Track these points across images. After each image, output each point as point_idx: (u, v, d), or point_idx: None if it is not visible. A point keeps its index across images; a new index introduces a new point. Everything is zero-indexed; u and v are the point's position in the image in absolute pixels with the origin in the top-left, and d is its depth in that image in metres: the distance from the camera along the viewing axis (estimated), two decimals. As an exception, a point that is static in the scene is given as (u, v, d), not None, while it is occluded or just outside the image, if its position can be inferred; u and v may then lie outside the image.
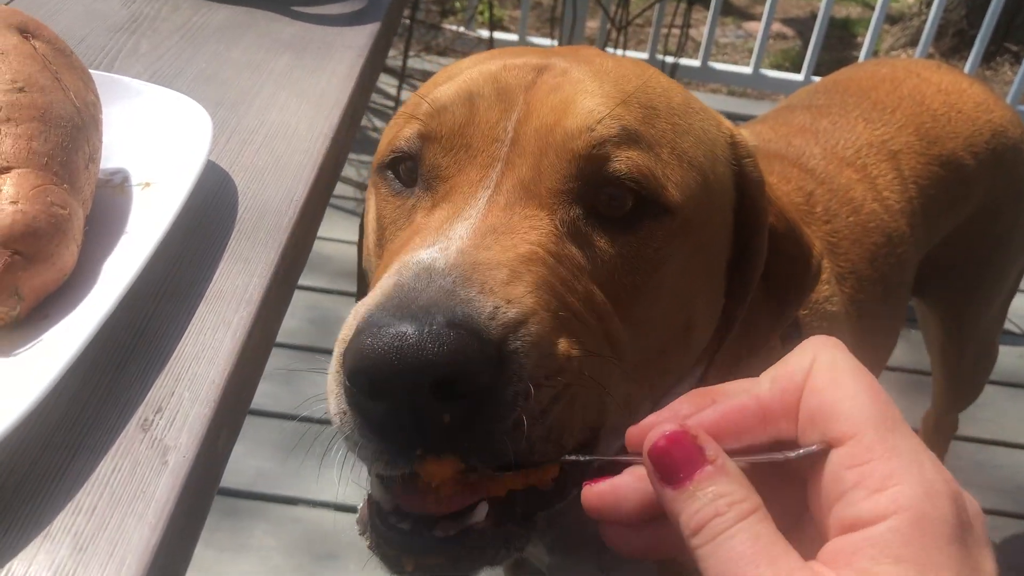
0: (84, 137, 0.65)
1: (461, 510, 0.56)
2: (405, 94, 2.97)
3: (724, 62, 3.44)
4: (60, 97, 0.65)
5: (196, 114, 0.74)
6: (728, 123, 0.76)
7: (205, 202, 0.72)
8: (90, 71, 0.73)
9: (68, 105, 0.65)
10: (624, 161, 0.63)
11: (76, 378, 0.56)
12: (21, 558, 0.47)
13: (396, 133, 0.69)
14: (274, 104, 0.87)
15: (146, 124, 0.75)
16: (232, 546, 1.75)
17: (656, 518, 0.46)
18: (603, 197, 0.63)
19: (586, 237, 0.62)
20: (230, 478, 1.84)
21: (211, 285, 0.65)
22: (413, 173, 0.67)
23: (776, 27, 4.19)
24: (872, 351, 1.22)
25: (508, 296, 0.54)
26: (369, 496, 0.60)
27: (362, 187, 2.71)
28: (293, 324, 2.18)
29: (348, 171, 2.77)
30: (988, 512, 1.59)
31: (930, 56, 3.47)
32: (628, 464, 0.48)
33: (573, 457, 0.55)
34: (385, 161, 0.70)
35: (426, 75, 3.14)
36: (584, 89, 0.66)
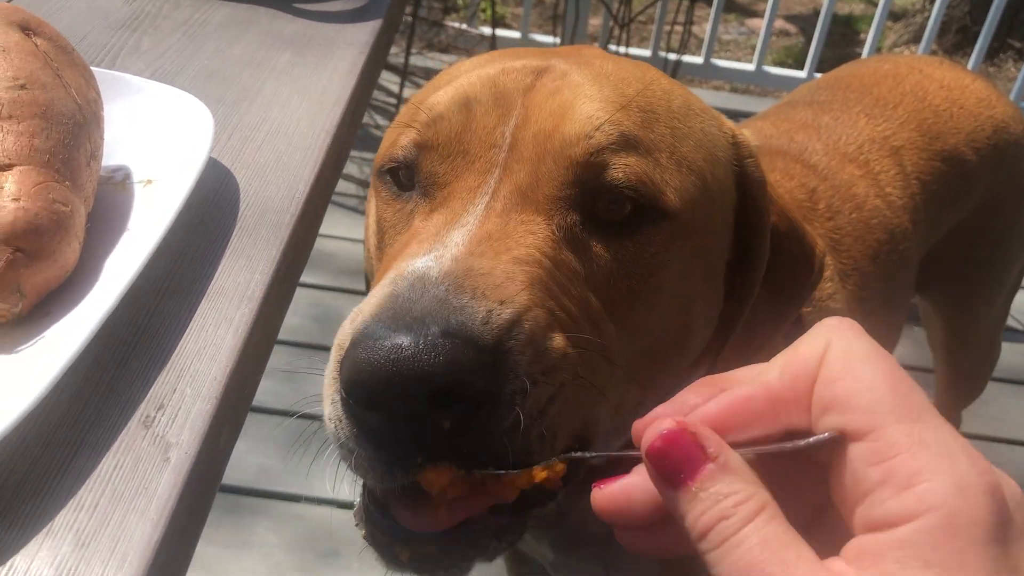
0: (86, 134, 0.65)
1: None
2: (407, 91, 2.97)
3: (727, 59, 3.43)
4: (62, 94, 0.65)
5: (198, 111, 0.74)
6: (730, 123, 0.75)
7: (207, 199, 0.72)
8: (92, 68, 0.73)
9: (70, 102, 0.65)
10: (622, 168, 0.62)
11: (78, 375, 0.56)
12: (23, 554, 0.47)
13: (394, 140, 0.69)
14: (276, 101, 0.87)
15: (148, 121, 0.75)
16: (234, 543, 1.75)
17: (669, 518, 0.43)
18: (601, 203, 0.63)
19: (583, 243, 0.62)
20: (232, 475, 1.84)
21: (213, 282, 0.65)
22: (412, 178, 0.67)
23: (779, 24, 4.19)
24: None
25: (501, 297, 0.53)
26: (365, 487, 0.60)
27: (364, 184, 2.71)
28: (295, 321, 2.19)
29: (350, 168, 2.77)
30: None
31: (933, 53, 3.46)
32: (632, 460, 0.45)
33: (579, 454, 0.54)
34: (384, 168, 0.70)
35: (428, 72, 3.15)
36: (583, 93, 0.65)
